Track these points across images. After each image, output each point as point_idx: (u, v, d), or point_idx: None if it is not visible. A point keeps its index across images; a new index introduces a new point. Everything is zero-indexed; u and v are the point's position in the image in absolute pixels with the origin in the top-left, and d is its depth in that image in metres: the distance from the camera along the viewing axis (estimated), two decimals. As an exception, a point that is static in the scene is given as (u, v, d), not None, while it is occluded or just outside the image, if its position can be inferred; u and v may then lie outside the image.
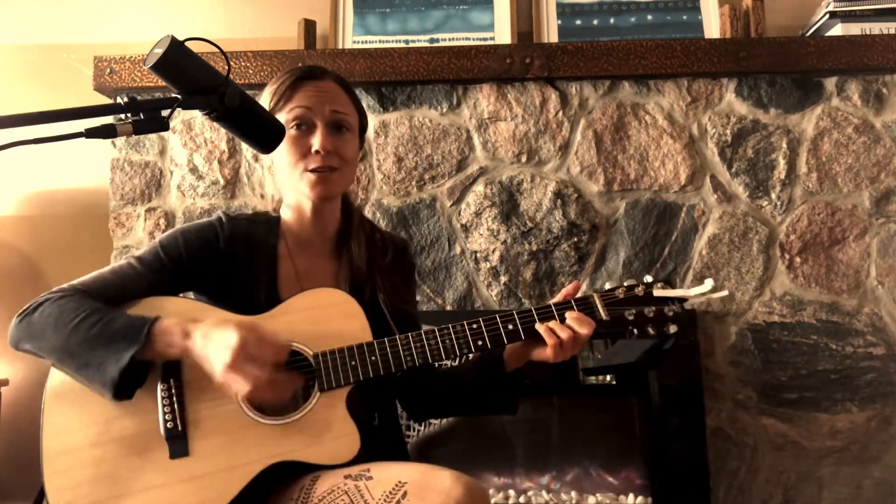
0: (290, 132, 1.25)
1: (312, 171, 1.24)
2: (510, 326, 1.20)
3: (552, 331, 1.17)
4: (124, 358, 1.05)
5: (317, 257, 1.33)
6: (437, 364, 1.43)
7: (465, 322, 1.21)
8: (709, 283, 1.24)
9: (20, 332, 1.14)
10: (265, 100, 1.29)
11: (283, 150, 1.25)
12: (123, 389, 1.07)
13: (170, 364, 1.13)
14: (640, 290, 1.23)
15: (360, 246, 1.33)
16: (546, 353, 1.19)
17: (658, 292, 1.23)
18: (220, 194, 2.28)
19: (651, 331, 1.23)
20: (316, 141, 1.24)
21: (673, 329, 1.23)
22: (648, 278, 1.26)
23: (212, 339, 1.07)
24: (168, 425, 1.11)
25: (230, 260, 1.25)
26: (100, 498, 1.08)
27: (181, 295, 1.25)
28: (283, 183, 1.31)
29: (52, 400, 1.13)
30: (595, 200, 2.26)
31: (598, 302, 1.22)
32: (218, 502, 1.08)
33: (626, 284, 1.24)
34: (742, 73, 2.24)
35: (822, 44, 2.20)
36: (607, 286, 1.25)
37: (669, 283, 1.25)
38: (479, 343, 1.20)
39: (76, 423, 1.11)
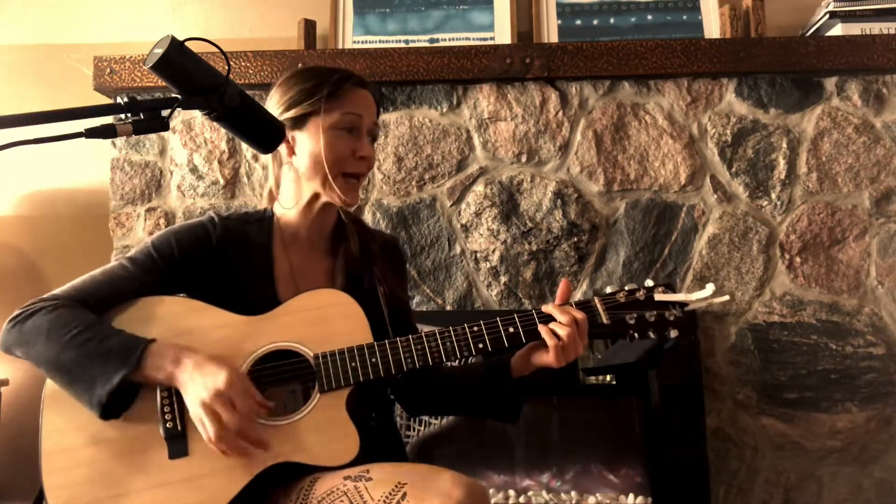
0: (337, 132, 1.24)
1: (350, 175, 1.26)
2: (511, 329, 1.20)
3: (553, 331, 1.18)
4: (114, 380, 1.05)
5: (310, 254, 1.33)
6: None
7: (465, 325, 1.21)
8: (710, 288, 1.23)
9: (11, 338, 1.14)
10: (290, 88, 1.27)
11: (325, 148, 1.23)
12: (111, 411, 1.07)
13: None
14: (641, 295, 1.23)
15: (354, 242, 1.34)
16: (549, 357, 1.19)
17: (659, 297, 1.23)
18: (220, 194, 2.28)
19: (652, 335, 1.23)
20: (364, 148, 1.26)
21: (674, 334, 1.23)
22: (650, 282, 1.26)
23: (201, 370, 1.07)
24: (168, 425, 1.11)
25: (223, 260, 1.25)
26: (98, 497, 1.08)
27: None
28: (304, 177, 1.27)
29: (52, 398, 1.13)
30: (595, 200, 2.26)
31: (599, 306, 1.22)
32: (217, 503, 1.08)
33: (627, 289, 1.24)
34: (742, 73, 2.24)
35: (822, 44, 2.20)
36: (608, 290, 1.25)
37: (671, 288, 1.25)
38: (480, 346, 1.20)
39: (75, 422, 1.11)
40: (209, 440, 1.06)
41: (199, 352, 1.10)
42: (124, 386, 1.07)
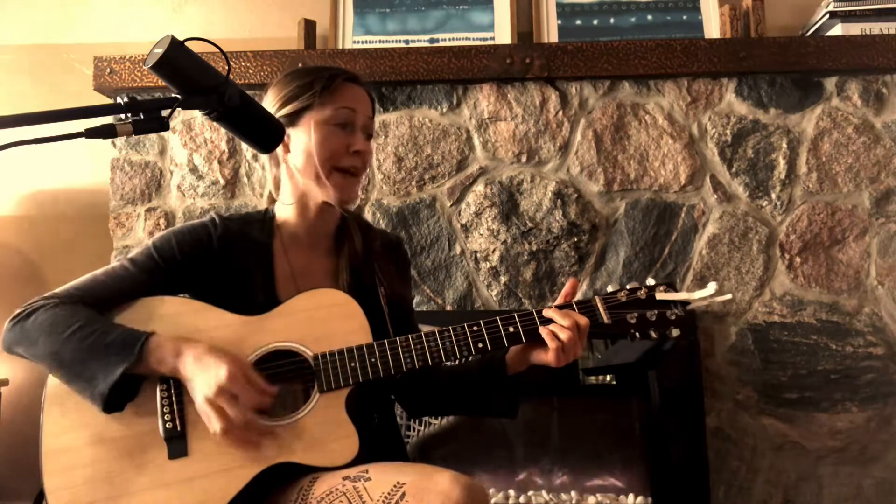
0: (330, 127, 1.24)
1: (343, 169, 1.24)
2: (511, 329, 1.20)
3: (554, 334, 1.17)
4: (115, 373, 1.06)
5: (312, 254, 1.33)
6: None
7: (465, 324, 1.20)
8: (712, 287, 1.22)
9: (13, 336, 1.14)
10: (285, 86, 1.27)
11: (317, 143, 1.23)
12: (114, 404, 1.08)
13: None
14: (642, 294, 1.22)
15: (357, 241, 1.33)
16: (548, 356, 1.18)
17: (661, 296, 1.22)
18: (220, 194, 2.28)
19: (653, 334, 1.22)
20: (357, 142, 1.25)
21: (675, 333, 1.21)
22: (651, 281, 1.24)
23: (202, 364, 1.08)
24: (167, 425, 1.11)
25: (224, 260, 1.25)
26: (98, 497, 1.08)
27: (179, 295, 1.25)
28: (299, 176, 1.28)
29: (53, 398, 1.13)
30: (595, 200, 2.26)
31: (599, 305, 1.22)
32: (216, 503, 1.08)
33: (628, 287, 1.23)
34: (742, 73, 2.24)
35: (822, 44, 2.20)
36: (609, 289, 1.24)
37: (672, 287, 1.23)
38: (480, 346, 1.19)
39: (76, 422, 1.11)
40: (215, 434, 1.07)
41: (200, 343, 1.10)
42: (126, 379, 1.07)
